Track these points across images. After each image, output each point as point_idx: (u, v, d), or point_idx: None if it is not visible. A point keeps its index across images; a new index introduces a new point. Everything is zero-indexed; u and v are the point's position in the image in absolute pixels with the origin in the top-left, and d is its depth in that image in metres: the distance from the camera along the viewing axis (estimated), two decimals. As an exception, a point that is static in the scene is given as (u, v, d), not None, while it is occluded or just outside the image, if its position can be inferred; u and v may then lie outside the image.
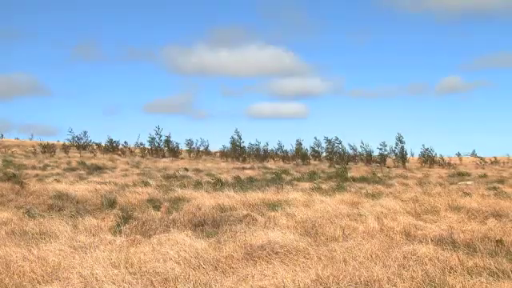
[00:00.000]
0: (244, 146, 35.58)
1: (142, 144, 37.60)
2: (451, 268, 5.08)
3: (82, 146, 36.62)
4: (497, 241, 6.28)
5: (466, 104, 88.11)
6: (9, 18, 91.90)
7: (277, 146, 36.16)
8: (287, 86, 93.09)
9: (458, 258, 5.35)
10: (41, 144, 36.11)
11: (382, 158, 31.21)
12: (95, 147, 37.72)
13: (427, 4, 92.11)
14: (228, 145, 36.01)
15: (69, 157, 31.25)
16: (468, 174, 22.12)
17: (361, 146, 33.38)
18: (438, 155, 32.51)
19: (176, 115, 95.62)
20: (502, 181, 18.12)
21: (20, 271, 5.01)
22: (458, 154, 35.84)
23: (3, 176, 14.48)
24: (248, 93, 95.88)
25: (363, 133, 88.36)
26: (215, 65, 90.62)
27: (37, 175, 17.96)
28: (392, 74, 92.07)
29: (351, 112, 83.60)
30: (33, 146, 35.80)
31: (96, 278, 4.71)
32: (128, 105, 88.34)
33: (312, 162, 33.70)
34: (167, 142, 36.00)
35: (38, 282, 4.78)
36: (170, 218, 8.18)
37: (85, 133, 36.84)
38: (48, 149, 34.16)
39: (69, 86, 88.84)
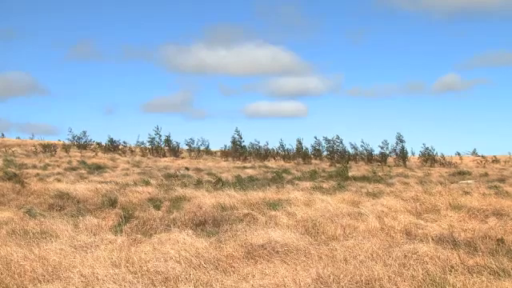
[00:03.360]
0: (245, 145, 35.58)
1: (142, 143, 37.62)
2: (452, 267, 5.08)
3: (82, 145, 36.64)
4: (498, 239, 6.29)
5: (465, 102, 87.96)
6: (6, 17, 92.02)
7: (277, 145, 36.13)
8: (286, 85, 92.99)
9: (459, 257, 5.35)
10: (41, 143, 36.13)
11: (383, 157, 31.22)
12: (96, 146, 37.74)
13: (426, 2, 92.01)
14: (229, 144, 36.01)
15: (69, 156, 31.27)
16: (469, 173, 22.12)
17: (361, 145, 33.38)
18: (439, 154, 32.47)
19: (175, 114, 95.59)
20: (503, 179, 18.12)
21: (21, 270, 5.02)
22: (458, 154, 35.80)
23: (4, 175, 14.50)
24: (247, 92, 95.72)
25: (363, 131, 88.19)
26: (214, 64, 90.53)
27: (38, 174, 17.98)
28: (390, 73, 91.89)
29: (350, 111, 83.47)
30: (34, 146, 35.83)
31: (97, 277, 4.71)
32: (126, 104, 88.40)
33: (313, 161, 33.68)
34: (167, 141, 36.00)
35: (39, 282, 4.78)
36: (171, 217, 8.19)
37: (84, 132, 36.89)
38: (49, 148, 34.18)
39: (67, 85, 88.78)
